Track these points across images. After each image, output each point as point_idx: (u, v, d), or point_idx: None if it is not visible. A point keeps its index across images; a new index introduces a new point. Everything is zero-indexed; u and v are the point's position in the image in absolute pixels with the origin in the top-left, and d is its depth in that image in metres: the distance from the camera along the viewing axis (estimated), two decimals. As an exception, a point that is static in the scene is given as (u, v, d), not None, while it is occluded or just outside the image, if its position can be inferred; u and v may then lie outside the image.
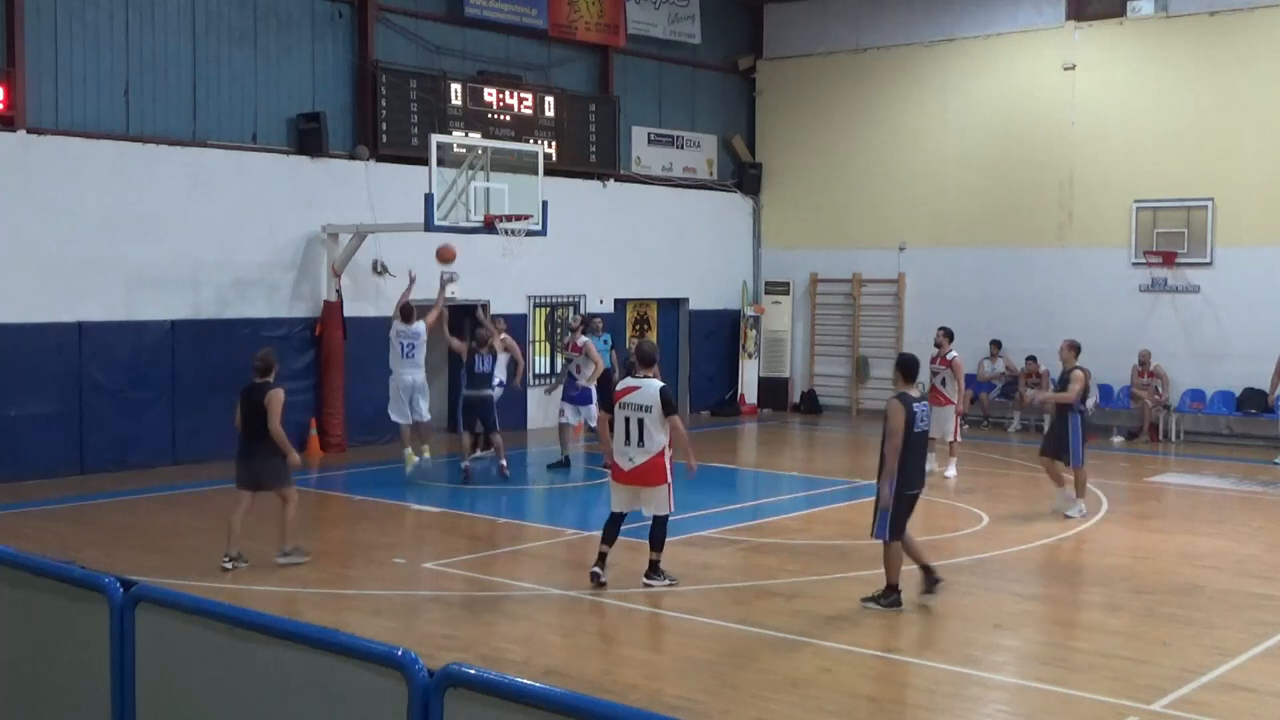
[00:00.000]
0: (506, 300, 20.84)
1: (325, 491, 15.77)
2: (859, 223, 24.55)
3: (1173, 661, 8.93)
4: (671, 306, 24.58)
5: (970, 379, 20.26)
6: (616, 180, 23.09)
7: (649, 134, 24.06)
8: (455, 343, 16.64)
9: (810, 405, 24.98)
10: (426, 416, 16.49)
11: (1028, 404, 18.21)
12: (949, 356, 16.79)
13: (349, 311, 18.61)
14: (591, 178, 22.63)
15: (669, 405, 10.64)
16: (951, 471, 16.70)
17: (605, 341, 18.85)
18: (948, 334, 17.24)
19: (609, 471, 11.54)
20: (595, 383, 16.84)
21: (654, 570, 10.80)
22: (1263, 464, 18.72)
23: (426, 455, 16.49)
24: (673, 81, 24.60)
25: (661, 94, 24.44)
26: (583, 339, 17.20)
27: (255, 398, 11.25)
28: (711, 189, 25.17)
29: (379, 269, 19.14)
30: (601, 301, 22.50)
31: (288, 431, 11.48)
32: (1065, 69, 22.18)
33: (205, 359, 17.28)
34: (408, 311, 16.23)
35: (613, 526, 10.77)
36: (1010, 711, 8.23)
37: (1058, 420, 14.34)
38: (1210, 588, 11.10)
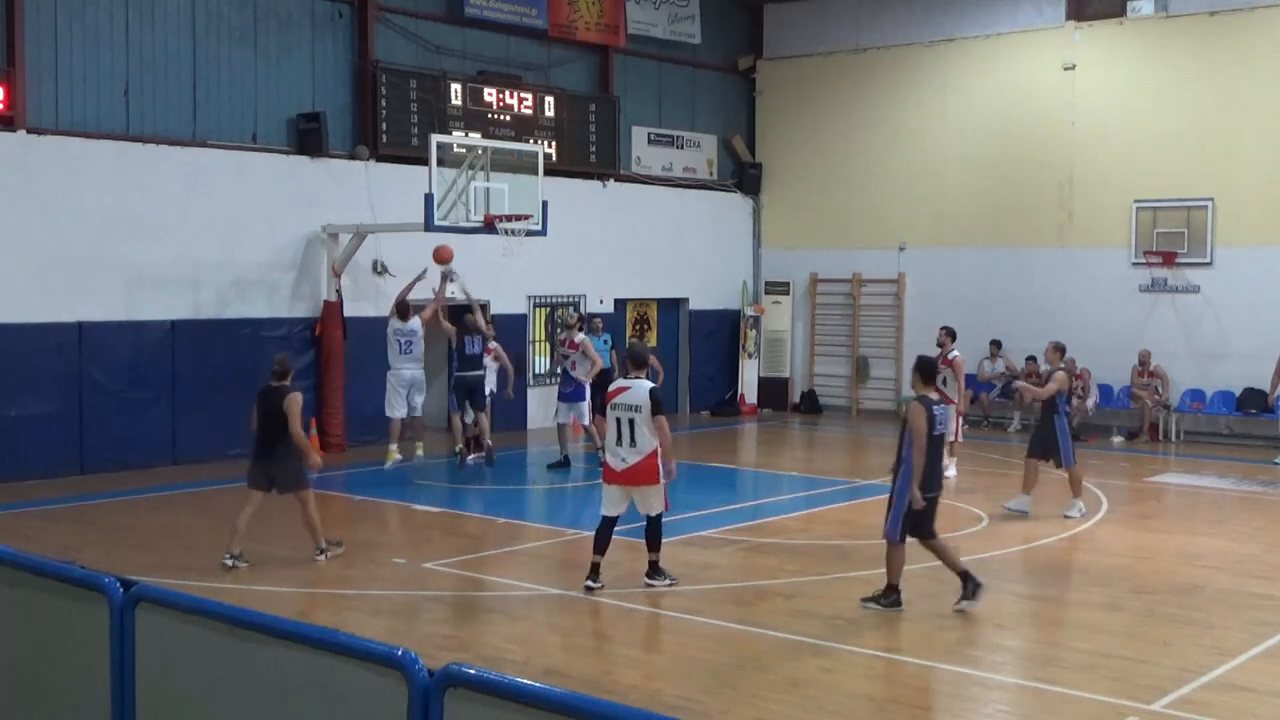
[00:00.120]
0: (506, 300, 20.86)
1: (325, 491, 15.71)
2: (859, 223, 24.55)
3: (1173, 661, 8.93)
4: (671, 306, 24.59)
5: (970, 379, 20.25)
6: (616, 180, 23.10)
7: (649, 134, 24.06)
8: (447, 325, 16.83)
9: (810, 405, 24.98)
10: (420, 412, 16.63)
11: (1019, 394, 18.22)
12: (951, 356, 16.79)
13: (349, 311, 18.61)
14: (591, 178, 22.63)
15: (658, 406, 10.60)
16: (951, 471, 16.67)
17: (605, 341, 18.86)
18: (950, 333, 17.26)
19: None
20: (591, 381, 16.88)
21: (654, 570, 10.80)
22: (1263, 464, 18.72)
23: (420, 454, 16.54)
24: (673, 81, 24.60)
25: (661, 94, 24.44)
26: (580, 336, 17.23)
27: (273, 401, 11.33)
28: (711, 189, 25.17)
29: (379, 269, 19.14)
30: (601, 301, 22.50)
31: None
32: (1065, 69, 22.19)
33: (205, 359, 17.29)
34: (404, 309, 16.37)
35: (604, 534, 10.69)
36: (1010, 711, 8.23)
37: (1043, 422, 14.35)
38: (1210, 588, 11.10)
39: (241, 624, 4.65)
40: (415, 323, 16.30)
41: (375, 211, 18.83)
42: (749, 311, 25.10)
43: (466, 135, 19.36)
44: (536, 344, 21.63)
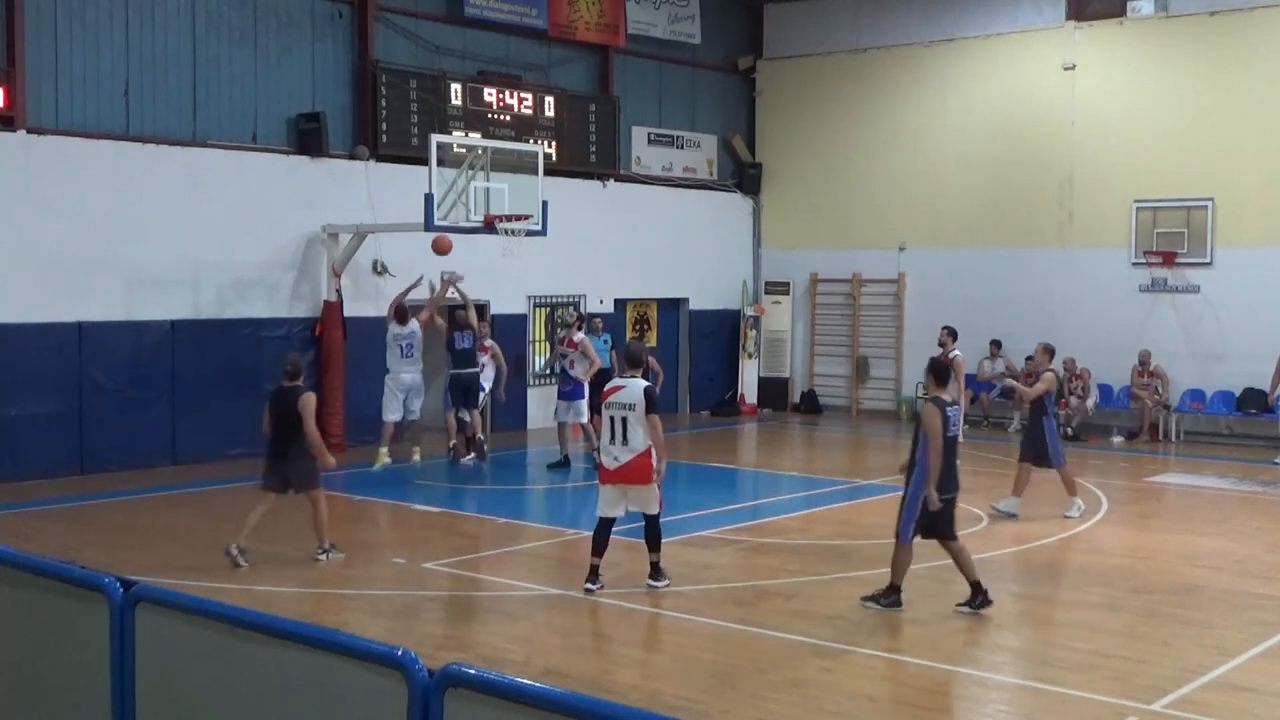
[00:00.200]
0: (506, 300, 20.86)
1: (325, 491, 15.72)
2: (859, 223, 24.55)
3: (1173, 661, 8.93)
4: (671, 306, 24.59)
5: (970, 379, 20.26)
6: (616, 180, 23.10)
7: (649, 134, 24.07)
8: (439, 321, 16.82)
9: (810, 405, 24.98)
10: (418, 416, 16.61)
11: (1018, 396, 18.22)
12: (952, 356, 16.76)
13: (349, 311, 18.61)
14: (591, 178, 22.63)
15: (651, 405, 10.53)
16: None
17: (605, 341, 18.87)
18: (951, 333, 17.27)
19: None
20: (591, 381, 16.88)
21: (656, 571, 10.78)
22: (1263, 464, 18.72)
23: (417, 459, 16.49)
24: (673, 81, 24.60)
25: (661, 94, 24.44)
26: (579, 336, 17.24)
27: (286, 401, 11.37)
28: (711, 189, 25.17)
29: (379, 269, 19.14)
30: (601, 301, 22.50)
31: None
32: (1065, 69, 22.19)
33: (205, 359, 17.29)
34: (401, 313, 16.33)
35: (602, 535, 10.66)
36: (1010, 711, 8.23)
37: (1032, 423, 14.35)
38: (1210, 588, 11.10)
39: (241, 624, 4.65)
40: (414, 326, 16.30)
41: (375, 211, 18.83)
42: (749, 311, 25.10)
43: (466, 135, 19.36)
44: (536, 344, 21.62)
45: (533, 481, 17.21)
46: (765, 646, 9.27)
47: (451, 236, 16.78)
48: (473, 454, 16.87)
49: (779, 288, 25.45)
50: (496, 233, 16.98)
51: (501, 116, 20.94)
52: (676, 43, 24.26)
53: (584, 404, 16.98)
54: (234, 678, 4.67)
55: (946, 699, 8.34)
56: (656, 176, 24.09)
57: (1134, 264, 21.57)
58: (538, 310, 21.73)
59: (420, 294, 17.07)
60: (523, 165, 17.76)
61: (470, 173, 16.80)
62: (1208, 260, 20.94)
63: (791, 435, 22.81)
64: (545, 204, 17.48)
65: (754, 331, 25.13)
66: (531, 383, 21.00)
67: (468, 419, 16.85)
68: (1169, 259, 21.11)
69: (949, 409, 10.12)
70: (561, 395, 17.27)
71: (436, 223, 16.35)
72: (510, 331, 20.78)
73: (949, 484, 10.16)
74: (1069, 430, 21.05)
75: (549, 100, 21.72)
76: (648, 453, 10.48)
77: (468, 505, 15.27)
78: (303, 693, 4.40)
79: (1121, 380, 21.49)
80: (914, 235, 23.90)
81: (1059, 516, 13.97)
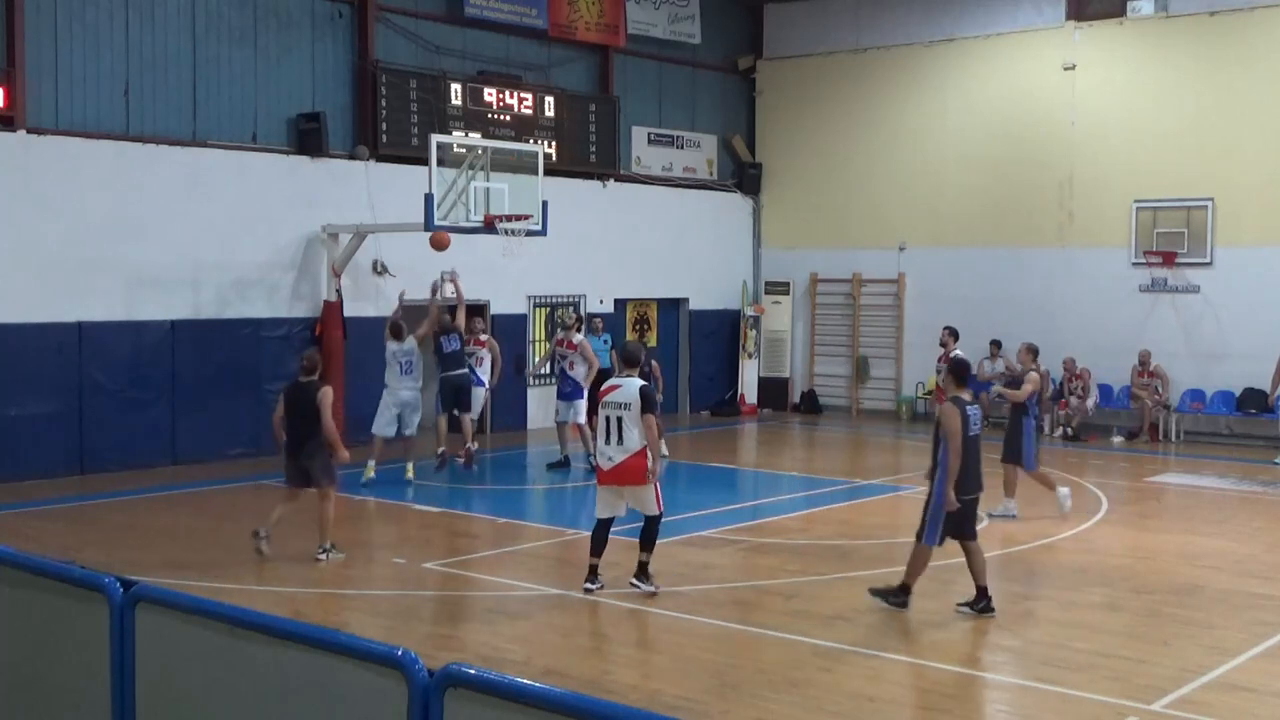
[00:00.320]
0: (506, 300, 20.86)
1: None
2: (859, 223, 24.55)
3: (1173, 661, 8.93)
4: (671, 306, 24.59)
5: (971, 379, 20.20)
6: (616, 180, 23.10)
7: (649, 134, 24.07)
8: (423, 329, 16.51)
9: (810, 405, 24.98)
10: (414, 433, 16.24)
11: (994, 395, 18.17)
12: (953, 356, 16.77)
13: (349, 311, 18.61)
14: (591, 178, 22.63)
15: (647, 404, 10.42)
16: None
17: (605, 341, 18.86)
18: (953, 333, 17.32)
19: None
20: (589, 382, 16.83)
21: (642, 571, 10.58)
22: (1263, 464, 18.72)
23: (410, 476, 16.05)
24: (673, 81, 24.60)
25: (661, 94, 24.44)
26: (578, 338, 17.21)
27: (304, 396, 11.45)
28: (711, 189, 25.18)
29: (379, 269, 19.14)
30: (601, 301, 22.51)
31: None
32: (1065, 69, 22.19)
33: (205, 359, 17.29)
34: (398, 329, 15.94)
35: (600, 535, 10.61)
36: (1010, 711, 8.23)
37: (1011, 424, 14.33)
38: (1210, 588, 11.10)
39: (241, 624, 4.65)
40: (411, 343, 15.93)
41: (375, 211, 18.83)
42: (749, 311, 25.10)
43: (466, 135, 19.36)
44: (536, 344, 21.62)
45: (532, 481, 17.22)
46: (765, 646, 9.27)
47: (450, 236, 16.77)
48: (461, 456, 16.53)
49: (779, 288, 25.46)
50: (496, 233, 16.97)
51: (501, 116, 20.94)
52: (676, 43, 24.27)
53: (583, 404, 16.95)
54: (234, 678, 4.67)
55: (947, 699, 8.34)
56: (656, 176, 24.09)
57: (1134, 264, 21.57)
58: (538, 310, 21.73)
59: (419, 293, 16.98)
60: (523, 165, 17.75)
61: (470, 173, 16.80)
62: (1208, 260, 20.94)
63: (791, 435, 22.81)
64: (545, 204, 17.48)
65: (754, 331, 25.13)
66: (531, 383, 20.99)
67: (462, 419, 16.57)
68: (1169, 259, 21.11)
69: (969, 408, 10.09)
70: (561, 396, 17.25)
71: (436, 223, 16.34)
72: (511, 331, 20.78)
73: (971, 484, 10.13)
74: (1069, 430, 21.09)
75: (549, 100, 21.72)
76: (643, 453, 10.37)
77: (467, 505, 15.26)
78: (303, 693, 4.40)
79: (1121, 380, 21.49)
80: (914, 235, 23.90)
81: (1058, 517, 13.96)
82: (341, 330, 18.46)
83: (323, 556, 11.61)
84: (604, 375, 16.67)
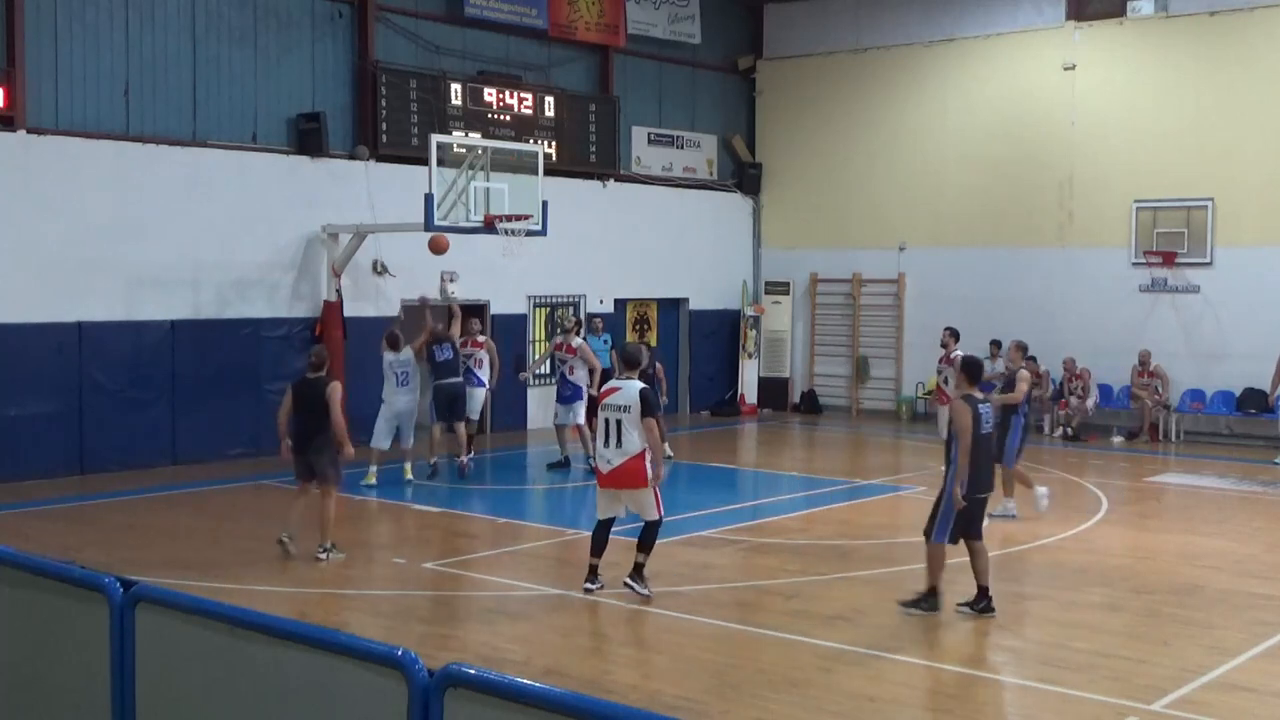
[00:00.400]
0: (506, 300, 20.86)
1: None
2: (859, 223, 24.55)
3: (1173, 661, 8.93)
4: (671, 306, 24.59)
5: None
6: (616, 180, 23.10)
7: (649, 134, 24.07)
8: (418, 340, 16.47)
9: (810, 405, 24.98)
10: (410, 443, 16.15)
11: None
12: (954, 356, 16.81)
13: (349, 311, 18.61)
14: (591, 178, 22.63)
15: (648, 407, 10.33)
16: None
17: (605, 342, 18.85)
18: (954, 334, 17.30)
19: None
20: (594, 386, 16.79)
21: (638, 573, 10.48)
22: (1263, 464, 18.72)
23: (409, 475, 16.03)
24: (673, 81, 24.60)
25: (661, 94, 24.44)
26: (578, 341, 17.18)
27: (312, 391, 11.49)
28: (711, 189, 25.18)
29: (379, 269, 19.14)
30: (601, 301, 22.51)
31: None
32: (1065, 69, 22.18)
33: (205, 359, 17.29)
34: (394, 340, 15.86)
35: (600, 536, 10.59)
36: (1010, 711, 8.23)
37: (1001, 420, 14.25)
38: (1210, 588, 11.10)
39: (241, 624, 4.65)
40: (407, 353, 15.86)
41: (375, 211, 18.83)
42: (749, 311, 25.10)
43: (466, 135, 19.36)
44: (536, 344, 21.62)
45: (532, 481, 17.22)
46: (765, 646, 9.27)
47: (450, 237, 16.78)
48: (458, 462, 16.48)
49: (779, 288, 25.46)
50: (496, 233, 16.96)
51: (501, 116, 20.94)
52: (676, 43, 24.26)
53: (582, 406, 16.92)
54: (234, 678, 4.66)
55: (947, 699, 8.34)
56: (656, 176, 24.09)
57: (1134, 264, 21.57)
58: (538, 310, 21.73)
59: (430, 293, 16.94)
60: (523, 165, 17.75)
61: (470, 173, 16.79)
62: (1208, 260, 20.94)
63: (791, 435, 22.81)
64: (545, 204, 17.48)
65: (754, 331, 25.13)
66: (531, 383, 20.99)
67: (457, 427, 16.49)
68: (1169, 259, 21.11)
69: (981, 406, 10.08)
70: (560, 399, 17.20)
71: (436, 223, 16.34)
72: (511, 331, 20.78)
73: (982, 482, 10.12)
74: (1069, 430, 21.09)
75: (549, 100, 21.72)
76: (641, 456, 10.29)
77: (467, 505, 15.26)
78: (303, 693, 4.40)
79: (1121, 380, 21.49)
80: (914, 235, 23.90)
81: (1059, 517, 13.96)
82: (341, 330, 18.45)
83: (323, 556, 11.62)
84: (605, 376, 16.72)
